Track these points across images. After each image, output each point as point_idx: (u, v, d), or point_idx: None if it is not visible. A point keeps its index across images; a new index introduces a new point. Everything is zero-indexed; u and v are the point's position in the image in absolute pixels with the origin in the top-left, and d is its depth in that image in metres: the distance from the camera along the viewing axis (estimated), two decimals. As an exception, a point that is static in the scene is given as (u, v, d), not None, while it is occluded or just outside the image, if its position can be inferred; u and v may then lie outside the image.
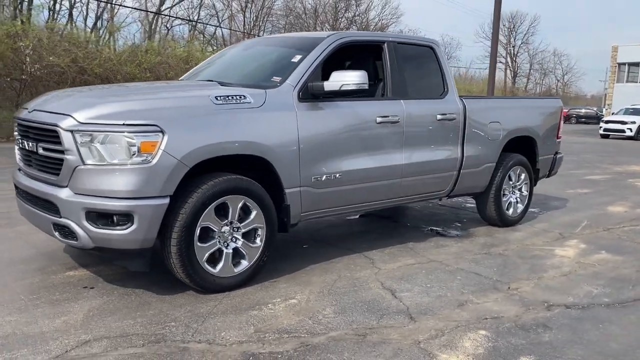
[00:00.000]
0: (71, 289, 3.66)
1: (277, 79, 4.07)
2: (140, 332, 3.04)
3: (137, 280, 3.80)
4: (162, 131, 3.29)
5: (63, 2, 33.24)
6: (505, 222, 5.89)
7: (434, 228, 5.82)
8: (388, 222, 6.10)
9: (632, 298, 3.89)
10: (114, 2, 34.59)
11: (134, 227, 3.26)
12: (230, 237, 3.70)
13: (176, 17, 41.40)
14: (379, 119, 4.43)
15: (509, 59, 72.51)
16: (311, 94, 4.05)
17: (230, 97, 3.69)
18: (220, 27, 47.46)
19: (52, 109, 3.49)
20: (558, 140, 6.51)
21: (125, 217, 3.26)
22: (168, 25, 43.93)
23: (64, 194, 3.35)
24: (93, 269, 4.05)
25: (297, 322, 3.25)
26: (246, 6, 49.51)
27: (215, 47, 44.24)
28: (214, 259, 3.64)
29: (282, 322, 3.24)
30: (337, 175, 4.20)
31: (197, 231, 3.49)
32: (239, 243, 3.73)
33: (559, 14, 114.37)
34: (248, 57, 4.90)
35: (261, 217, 3.79)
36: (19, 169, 3.99)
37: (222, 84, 4.16)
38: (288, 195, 3.95)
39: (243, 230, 3.75)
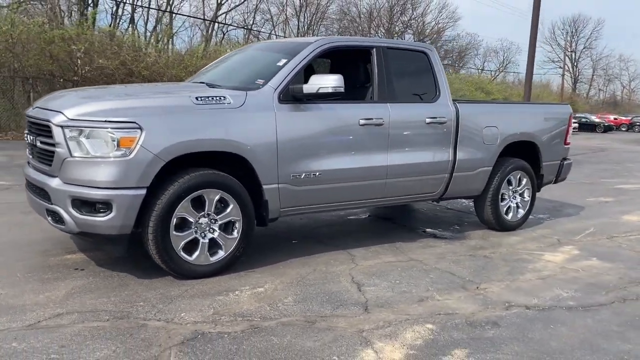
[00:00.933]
0: (63, 269, 4.04)
1: (260, 81, 4.33)
2: (110, 309, 3.35)
3: (124, 265, 4.14)
4: (140, 128, 3.60)
5: (126, 7, 34.82)
6: (503, 226, 5.92)
7: (430, 230, 5.92)
8: (386, 222, 6.24)
9: (598, 303, 3.90)
10: (170, 10, 36.02)
11: (112, 214, 3.59)
12: (207, 228, 3.98)
13: (228, 24, 42.37)
14: (362, 121, 4.61)
15: (568, 64, 70.17)
16: (292, 96, 4.28)
17: (210, 98, 3.98)
18: (275, 32, 48.40)
19: (49, 107, 3.88)
20: (566, 146, 6.46)
21: (105, 205, 3.60)
22: (224, 30, 45.08)
23: (54, 183, 3.72)
24: (90, 253, 4.42)
25: (256, 307, 3.49)
26: (300, 10, 50.24)
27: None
28: (190, 248, 3.92)
29: (241, 307, 3.48)
30: (317, 173, 4.41)
31: (173, 221, 3.78)
32: (216, 234, 4.01)
33: (625, 18, 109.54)
34: (242, 61, 5.18)
35: (238, 210, 4.05)
36: (28, 162, 4.41)
37: (210, 85, 4.46)
38: (266, 191, 4.19)
39: (220, 222, 4.02)
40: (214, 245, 4.04)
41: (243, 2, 44.53)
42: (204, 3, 43.61)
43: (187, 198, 3.81)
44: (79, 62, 15.02)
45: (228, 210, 4.03)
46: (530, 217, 6.76)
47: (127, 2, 35.04)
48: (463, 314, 3.57)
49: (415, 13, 55.59)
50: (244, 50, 5.50)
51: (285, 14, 49.99)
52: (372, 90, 4.88)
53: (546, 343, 3.18)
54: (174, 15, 38.57)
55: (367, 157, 4.71)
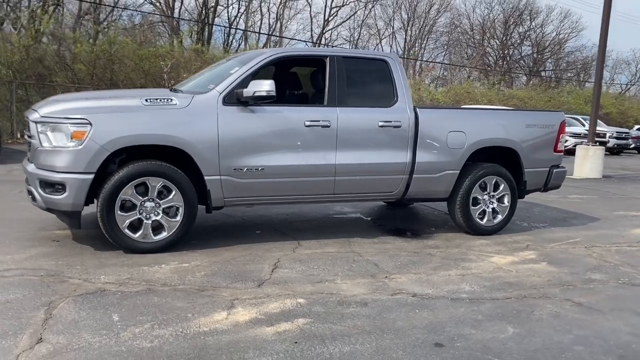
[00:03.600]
0: (43, 241, 4.93)
1: (211, 86, 4.97)
2: (49, 269, 4.14)
3: (93, 241, 4.93)
4: (90, 123, 4.39)
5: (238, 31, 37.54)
6: (476, 230, 6.01)
7: (400, 228, 6.17)
8: (367, 221, 6.58)
9: (491, 297, 4.03)
10: (275, 34, 38.16)
11: (66, 194, 4.41)
12: (153, 211, 4.67)
13: (329, 45, 43.61)
14: (307, 123, 5.08)
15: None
16: (237, 99, 4.86)
17: (158, 100, 4.69)
18: (380, 46, 49.09)
19: (34, 107, 4.81)
20: (557, 153, 6.39)
21: (61, 186, 4.42)
22: (329, 46, 46.51)
23: (30, 167, 4.62)
24: (75, 231, 5.27)
25: (166, 277, 4.10)
26: (408, 24, 50.51)
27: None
28: (139, 227, 4.63)
29: (154, 276, 4.11)
30: (260, 168, 4.95)
31: (118, 202, 4.52)
32: (159, 217, 4.68)
33: None
34: (215, 70, 5.84)
35: (180, 197, 4.70)
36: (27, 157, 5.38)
37: (175, 90, 5.19)
38: (208, 182, 4.81)
39: (163, 207, 4.69)
40: (159, 227, 4.71)
41: (350, 17, 45.76)
42: (311, 21, 45.65)
43: (129, 184, 4.53)
44: (166, 76, 16.70)
45: (171, 196, 4.69)
46: (524, 224, 6.76)
47: (238, 28, 37.72)
48: (344, 295, 3.91)
49: (533, 24, 53.24)
50: (223, 61, 6.18)
51: (392, 28, 50.50)
52: (323, 95, 5.32)
53: (392, 322, 3.45)
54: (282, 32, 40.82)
55: (313, 155, 5.15)
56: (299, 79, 6.03)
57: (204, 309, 3.50)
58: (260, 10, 40.59)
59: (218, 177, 4.83)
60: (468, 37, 52.93)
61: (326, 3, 46.32)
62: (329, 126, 5.16)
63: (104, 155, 4.44)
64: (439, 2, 49.74)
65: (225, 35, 39.32)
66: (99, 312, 3.36)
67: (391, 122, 5.43)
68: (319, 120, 5.13)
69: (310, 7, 48.94)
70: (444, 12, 50.91)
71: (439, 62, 49.47)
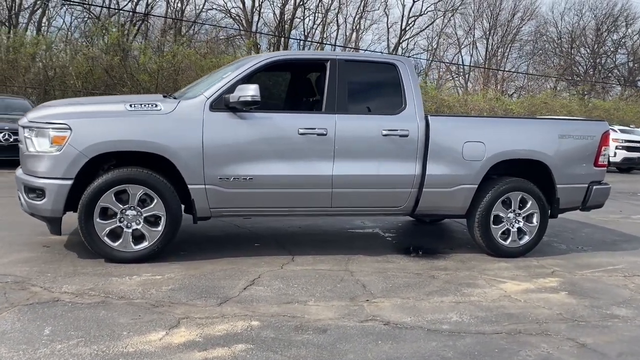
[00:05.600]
0: (34, 246, 4.93)
1: (202, 91, 4.78)
2: (18, 275, 4.08)
3: (82, 248, 4.85)
4: (69, 128, 4.32)
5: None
6: (498, 251, 5.42)
7: (415, 246, 5.68)
8: (381, 237, 6.14)
9: (477, 331, 3.51)
10: (350, 45, 38.14)
11: (45, 199, 4.35)
12: (134, 220, 4.53)
13: (407, 55, 42.94)
14: (301, 130, 4.77)
15: None
16: (225, 105, 4.64)
17: (143, 105, 4.56)
18: (460, 55, 47.77)
19: (27, 113, 4.83)
20: (598, 168, 5.66)
21: (41, 192, 4.37)
22: (407, 55, 45.82)
23: (18, 172, 4.63)
24: (71, 237, 5.26)
25: (128, 289, 3.91)
26: (489, 32, 48.81)
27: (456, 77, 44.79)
28: (116, 235, 4.51)
29: (117, 287, 3.94)
30: (248, 177, 4.69)
31: (97, 210, 4.41)
32: (140, 225, 4.53)
33: None
34: (214, 75, 5.66)
35: (161, 206, 4.53)
36: None
37: (167, 96, 5.05)
38: (192, 191, 4.61)
39: (144, 215, 4.54)
40: (141, 236, 4.56)
41: (427, 26, 44.88)
42: (388, 31, 45.21)
43: (109, 191, 4.41)
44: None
45: (152, 205, 4.53)
46: (561, 246, 6.07)
47: (313, 41, 38.04)
48: (307, 319, 3.54)
49: (629, 30, 49.65)
50: (224, 67, 5.99)
51: (473, 36, 48.96)
52: (321, 102, 4.99)
53: (342, 355, 3.05)
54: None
55: (308, 165, 4.82)
56: (297, 84, 5.73)
57: (144, 327, 3.26)
58: (337, 21, 40.75)
59: (202, 186, 4.61)
60: (555, 45, 50.31)
61: (403, 13, 45.75)
62: (325, 134, 4.81)
63: (82, 161, 4.34)
64: (522, 9, 47.66)
65: (301, 47, 39.79)
66: (34, 325, 3.21)
67: (397, 130, 4.99)
68: (314, 128, 4.80)
69: (388, 17, 48.59)
70: (528, 20, 48.68)
71: (521, 72, 47.37)
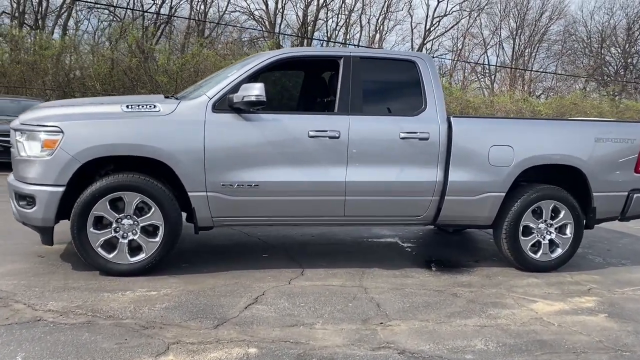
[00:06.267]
0: (28, 256, 4.65)
1: (204, 91, 4.44)
2: (6, 289, 3.79)
3: (77, 259, 4.54)
4: (61, 132, 4.01)
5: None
6: (527, 265, 4.95)
7: (437, 258, 5.25)
8: (400, 248, 5.71)
9: (505, 362, 3.08)
10: (373, 46, 37.73)
11: (36, 207, 4.05)
12: (131, 230, 4.20)
13: (432, 55, 42.26)
14: (312, 133, 4.38)
15: None
16: (229, 106, 4.29)
17: (140, 106, 4.23)
18: (486, 56, 46.80)
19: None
20: (639, 175, 5.15)
21: (32, 199, 4.07)
22: (432, 55, 45.05)
23: (9, 178, 4.34)
24: (71, 247, 4.94)
25: (119, 307, 3.57)
26: (517, 32, 47.74)
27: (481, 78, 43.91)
28: (112, 246, 4.18)
29: (107, 305, 3.61)
30: (253, 184, 4.32)
31: (91, 219, 4.09)
32: (136, 236, 4.20)
33: None
34: (219, 75, 5.31)
35: (159, 214, 4.19)
36: None
37: (168, 97, 4.73)
38: (192, 199, 4.26)
39: (141, 225, 4.20)
40: (138, 247, 4.23)
41: (452, 27, 44.12)
42: (412, 31, 44.55)
43: (103, 199, 4.09)
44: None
45: (150, 214, 4.19)
46: (597, 259, 5.57)
47: (337, 42, 37.69)
48: (313, 345, 3.16)
49: (663, 27, 48.01)
50: (231, 65, 5.64)
51: (499, 36, 47.93)
52: (334, 102, 4.60)
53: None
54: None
55: (319, 170, 4.44)
56: (307, 84, 5.35)
57: (128, 354, 2.92)
58: (360, 22, 40.30)
59: (204, 193, 4.26)
60: (584, 45, 48.98)
61: (428, 13, 45.04)
62: (337, 137, 4.42)
63: (75, 167, 4.03)
64: (551, 9, 46.49)
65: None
66: (7, 349, 2.89)
67: (416, 133, 4.57)
68: (325, 130, 4.41)
69: (412, 17, 47.90)
70: (556, 19, 47.47)
71: (550, 72, 46.19)
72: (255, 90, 4.09)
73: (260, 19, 36.79)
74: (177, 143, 4.18)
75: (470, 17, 44.75)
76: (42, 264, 4.43)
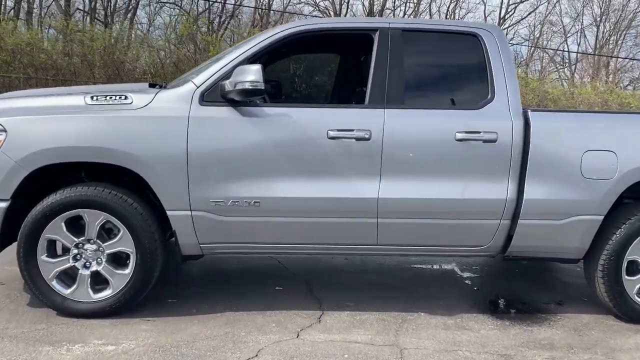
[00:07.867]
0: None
1: (191, 78, 3.40)
2: None
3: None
4: (4, 130, 3.10)
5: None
6: (632, 315, 3.60)
7: (505, 297, 3.98)
8: (454, 278, 4.46)
9: None
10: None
11: (-28, 227, 3.15)
12: (95, 258, 3.24)
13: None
14: (332, 133, 3.24)
15: None
16: (222, 97, 3.22)
17: (108, 97, 3.25)
18: (566, 45, 43.57)
19: None
20: None
21: (-32, 217, 3.17)
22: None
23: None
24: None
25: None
26: (601, 19, 44.16)
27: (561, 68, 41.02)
28: (71, 278, 3.24)
29: (36, 368, 2.64)
30: (253, 201, 3.24)
31: (42, 243, 3.16)
32: (101, 266, 3.23)
33: None
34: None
35: (129, 239, 3.20)
36: None
37: (153, 85, 3.72)
38: (173, 219, 3.25)
39: (107, 252, 3.23)
40: (104, 280, 3.26)
41: (529, 14, 41.42)
42: (485, 19, 42.04)
43: (57, 217, 3.14)
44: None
45: (117, 238, 3.20)
46: None
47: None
48: None
49: None
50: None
51: (581, 24, 44.56)
52: (364, 91, 3.42)
53: None
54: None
55: (341, 184, 3.30)
56: (331, 68, 4.19)
57: None
58: (430, 10, 38.48)
59: (188, 212, 3.23)
60: (681, 31, 44.55)
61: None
62: (368, 138, 3.25)
63: (21, 175, 3.11)
64: (640, -8, 42.58)
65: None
66: None
67: (479, 132, 3.32)
68: (351, 130, 3.26)
69: (485, 4, 45.37)
70: (648, 3, 43.39)
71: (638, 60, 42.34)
72: (250, 75, 2.99)
73: (325, 10, 35.91)
74: (151, 146, 3.17)
75: (549, 3, 41.68)
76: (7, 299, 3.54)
